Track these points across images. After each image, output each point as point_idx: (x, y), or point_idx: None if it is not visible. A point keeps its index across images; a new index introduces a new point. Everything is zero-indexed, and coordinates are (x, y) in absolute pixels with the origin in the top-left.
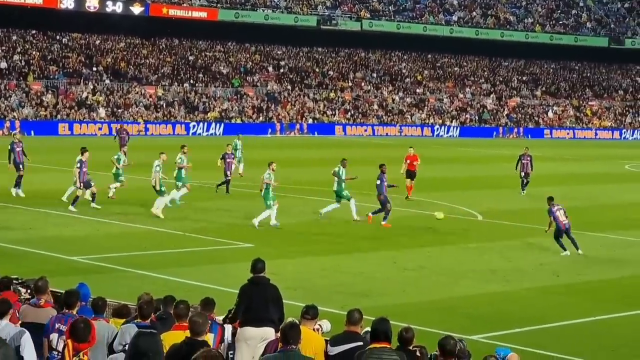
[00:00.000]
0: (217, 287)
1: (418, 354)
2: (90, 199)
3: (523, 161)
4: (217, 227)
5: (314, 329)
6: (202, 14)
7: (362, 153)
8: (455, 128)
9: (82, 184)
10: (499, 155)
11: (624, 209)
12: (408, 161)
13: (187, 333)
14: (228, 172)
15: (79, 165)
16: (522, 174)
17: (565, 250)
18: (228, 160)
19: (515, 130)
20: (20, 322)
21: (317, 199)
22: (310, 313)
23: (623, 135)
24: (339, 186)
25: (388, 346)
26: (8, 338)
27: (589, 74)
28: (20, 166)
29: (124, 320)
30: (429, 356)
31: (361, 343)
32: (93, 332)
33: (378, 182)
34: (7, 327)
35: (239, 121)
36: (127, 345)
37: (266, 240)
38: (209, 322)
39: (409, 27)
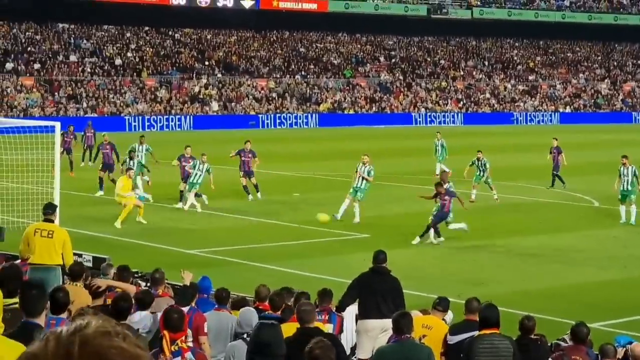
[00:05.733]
0: (333, 279)
1: (539, 342)
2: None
3: None
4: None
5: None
6: (312, 6)
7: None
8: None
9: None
10: (617, 140)
11: None
12: None
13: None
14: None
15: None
16: None
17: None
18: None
19: None
20: None
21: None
22: (442, 305)
23: None
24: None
25: (497, 332)
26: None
27: None
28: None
29: None
30: (549, 345)
31: None
32: (186, 322)
33: None
34: (145, 318)
35: (351, 112)
36: (245, 334)
37: (381, 230)
38: (327, 312)
39: (520, 13)
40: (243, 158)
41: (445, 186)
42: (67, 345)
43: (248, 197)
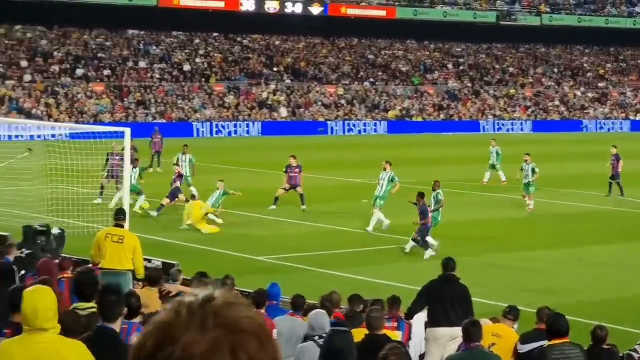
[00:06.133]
0: (402, 285)
1: (610, 352)
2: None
3: None
4: (401, 225)
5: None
6: (381, 13)
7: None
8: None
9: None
10: None
11: None
12: None
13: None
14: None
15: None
16: None
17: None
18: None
19: None
20: None
21: (504, 195)
22: (512, 313)
23: None
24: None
25: (567, 341)
26: None
27: None
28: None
29: None
30: (620, 355)
31: None
32: None
33: None
34: None
35: (419, 119)
36: (316, 336)
37: (450, 238)
38: (396, 319)
39: (590, 20)
40: (290, 174)
41: (434, 193)
42: (201, 316)
43: (271, 206)
